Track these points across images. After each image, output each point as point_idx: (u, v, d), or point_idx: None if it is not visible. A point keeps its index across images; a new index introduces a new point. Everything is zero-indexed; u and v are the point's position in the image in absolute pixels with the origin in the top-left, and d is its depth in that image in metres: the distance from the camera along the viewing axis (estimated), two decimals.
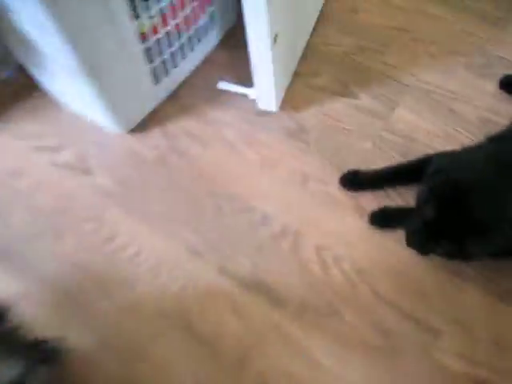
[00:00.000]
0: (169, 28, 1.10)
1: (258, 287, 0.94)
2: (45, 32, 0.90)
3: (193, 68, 1.30)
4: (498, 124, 1.12)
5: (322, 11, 1.42)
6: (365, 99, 1.23)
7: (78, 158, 1.16)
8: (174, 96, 1.26)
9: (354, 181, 1.07)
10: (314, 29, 1.38)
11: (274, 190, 1.08)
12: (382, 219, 1.00)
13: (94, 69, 0.99)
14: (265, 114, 1.21)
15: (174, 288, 0.95)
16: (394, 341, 0.87)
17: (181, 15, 1.12)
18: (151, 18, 1.03)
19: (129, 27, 0.99)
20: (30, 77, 1.22)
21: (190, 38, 1.21)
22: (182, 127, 1.20)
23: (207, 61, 1.33)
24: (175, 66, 1.21)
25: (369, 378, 0.84)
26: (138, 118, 1.21)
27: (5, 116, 1.25)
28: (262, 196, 1.07)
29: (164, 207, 1.06)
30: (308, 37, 1.34)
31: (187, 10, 1.13)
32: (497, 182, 0.76)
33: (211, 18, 1.26)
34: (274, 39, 1.00)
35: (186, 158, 1.14)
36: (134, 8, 0.98)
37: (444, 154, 0.97)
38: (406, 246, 0.87)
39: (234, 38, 1.37)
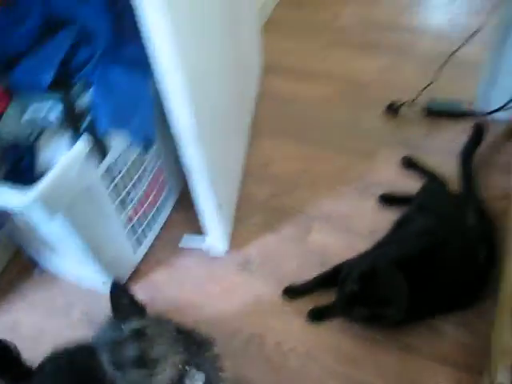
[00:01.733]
0: (145, 207, 1.56)
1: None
2: (61, 235, 1.31)
3: (160, 229, 1.75)
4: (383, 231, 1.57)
5: (244, 169, 1.92)
6: (287, 229, 1.69)
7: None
8: (148, 253, 1.69)
9: (292, 291, 1.50)
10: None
11: (238, 310, 1.49)
12: (315, 315, 1.44)
13: (94, 251, 1.40)
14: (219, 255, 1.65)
15: None
16: None
17: (151, 196, 1.59)
18: (133, 205, 1.49)
19: (119, 218, 1.44)
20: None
21: (157, 209, 1.67)
22: (157, 276, 1.63)
23: (169, 221, 1.78)
24: (150, 230, 1.66)
25: None
26: (125, 276, 1.62)
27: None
28: (231, 315, 1.48)
29: None
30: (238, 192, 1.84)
31: (154, 192, 1.61)
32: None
33: (169, 190, 1.74)
34: (220, 206, 1.48)
35: (166, 299, 1.55)
36: (121, 202, 1.43)
37: (348, 261, 1.45)
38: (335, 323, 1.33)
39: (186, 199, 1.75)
